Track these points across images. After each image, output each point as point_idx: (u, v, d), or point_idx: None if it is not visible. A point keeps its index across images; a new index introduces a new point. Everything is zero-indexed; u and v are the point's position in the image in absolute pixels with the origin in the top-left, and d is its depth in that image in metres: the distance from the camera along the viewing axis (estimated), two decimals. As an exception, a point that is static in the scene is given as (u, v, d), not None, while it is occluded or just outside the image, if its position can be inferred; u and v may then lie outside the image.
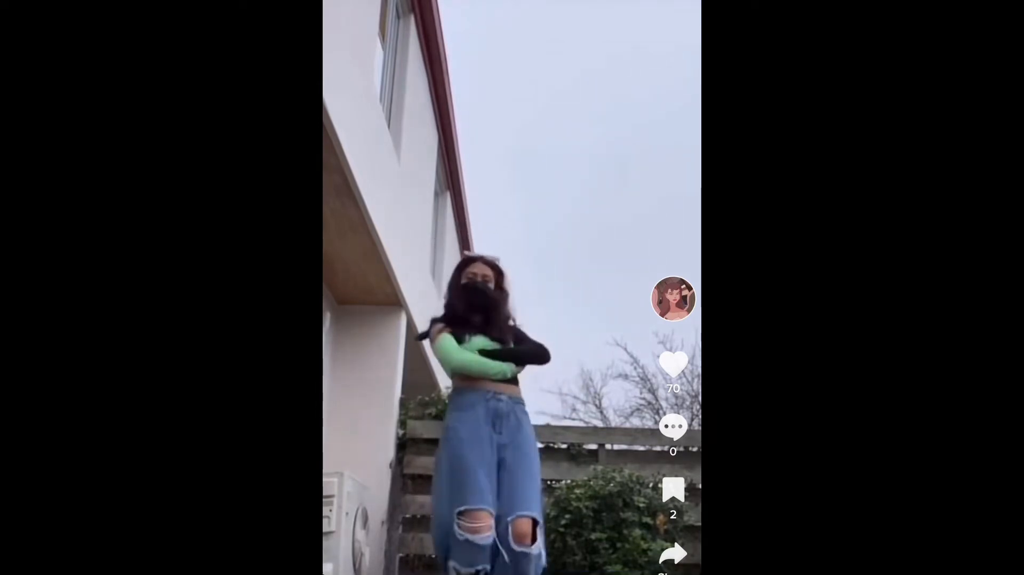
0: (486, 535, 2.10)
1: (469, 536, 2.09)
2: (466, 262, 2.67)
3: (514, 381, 2.53)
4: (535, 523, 2.18)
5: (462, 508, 2.14)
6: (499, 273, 2.64)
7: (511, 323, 2.63)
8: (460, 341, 2.51)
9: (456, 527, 2.12)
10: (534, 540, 2.17)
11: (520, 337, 2.61)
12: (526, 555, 2.13)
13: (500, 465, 2.31)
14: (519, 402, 2.50)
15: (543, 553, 2.21)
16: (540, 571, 2.19)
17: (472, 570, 2.10)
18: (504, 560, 2.13)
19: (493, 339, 2.52)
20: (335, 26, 3.32)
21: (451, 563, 2.16)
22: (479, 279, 2.60)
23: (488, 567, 2.11)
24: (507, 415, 2.40)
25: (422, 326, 2.72)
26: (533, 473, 2.33)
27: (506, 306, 2.62)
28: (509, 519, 2.18)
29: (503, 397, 2.42)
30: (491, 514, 2.14)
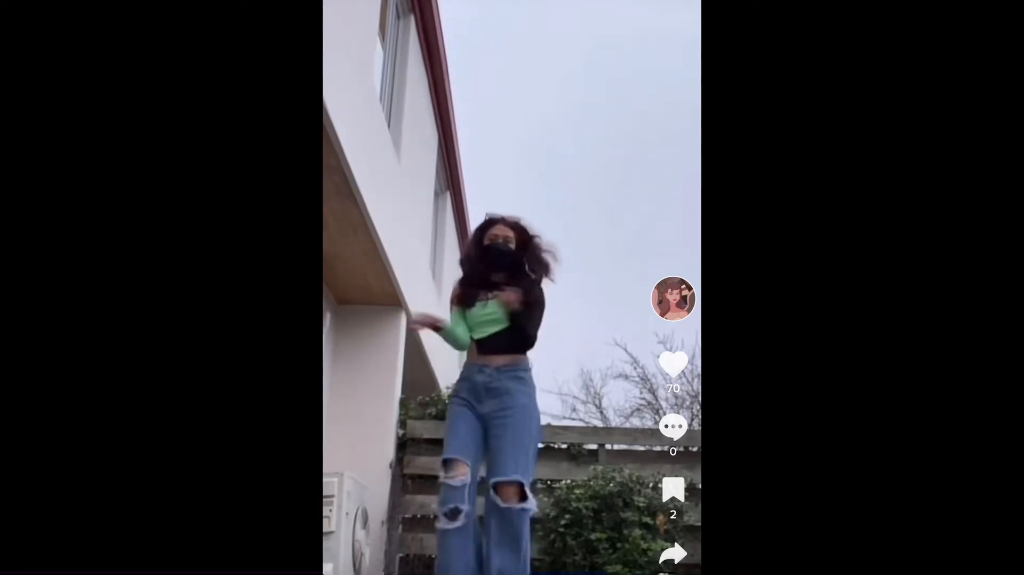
0: (458, 478, 2.38)
1: (446, 479, 2.40)
2: (488, 224, 2.73)
3: (510, 349, 2.57)
4: (519, 485, 2.38)
5: (444, 458, 2.46)
6: (522, 232, 2.68)
7: (541, 277, 2.64)
8: (472, 304, 2.59)
9: (440, 474, 2.44)
10: (521, 498, 2.38)
11: (531, 304, 2.59)
12: (511, 510, 2.36)
13: (487, 433, 2.50)
14: (509, 371, 2.54)
15: (533, 507, 2.41)
16: (524, 526, 2.39)
17: (447, 507, 2.36)
18: (497, 516, 2.38)
19: (503, 304, 2.55)
20: (335, 26, 3.32)
21: (436, 507, 2.47)
22: (500, 240, 2.65)
23: (463, 505, 2.37)
24: (489, 386, 2.52)
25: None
26: (517, 439, 2.46)
27: (535, 262, 2.65)
28: (492, 483, 2.40)
29: (487, 369, 2.55)
30: (466, 463, 2.41)
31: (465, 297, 2.63)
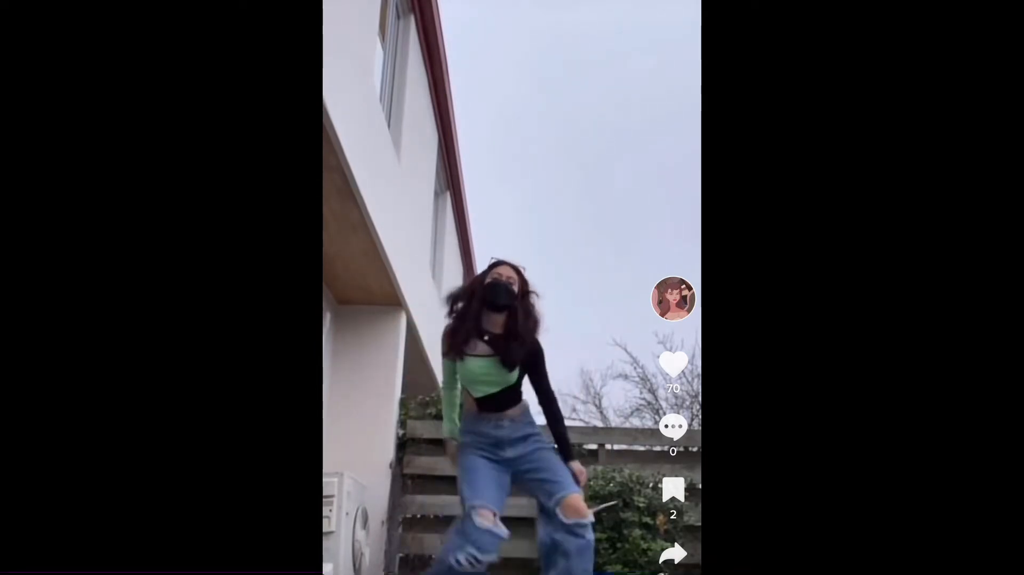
0: (494, 527, 2.33)
1: (480, 522, 2.31)
2: (492, 266, 2.67)
3: (513, 404, 2.55)
4: (580, 496, 2.38)
5: (471, 504, 2.36)
6: (524, 281, 2.63)
7: (531, 335, 2.58)
8: (462, 353, 2.52)
9: (475, 518, 2.33)
10: (584, 511, 2.38)
11: (534, 362, 2.55)
12: (582, 525, 2.34)
13: (526, 470, 2.49)
14: (524, 419, 2.55)
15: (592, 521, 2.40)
16: (593, 536, 2.37)
17: (485, 555, 2.30)
18: (562, 538, 2.33)
19: (503, 364, 2.49)
20: (335, 26, 3.32)
21: (468, 550, 2.31)
22: (503, 279, 2.59)
23: (494, 554, 2.31)
24: (512, 437, 2.51)
25: (422, 326, 2.73)
26: (560, 463, 2.49)
27: (529, 316, 2.59)
28: (556, 499, 2.36)
29: (504, 422, 2.52)
30: (494, 512, 2.35)
31: (456, 345, 2.55)
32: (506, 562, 4.32)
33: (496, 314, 2.54)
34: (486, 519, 2.32)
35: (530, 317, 2.58)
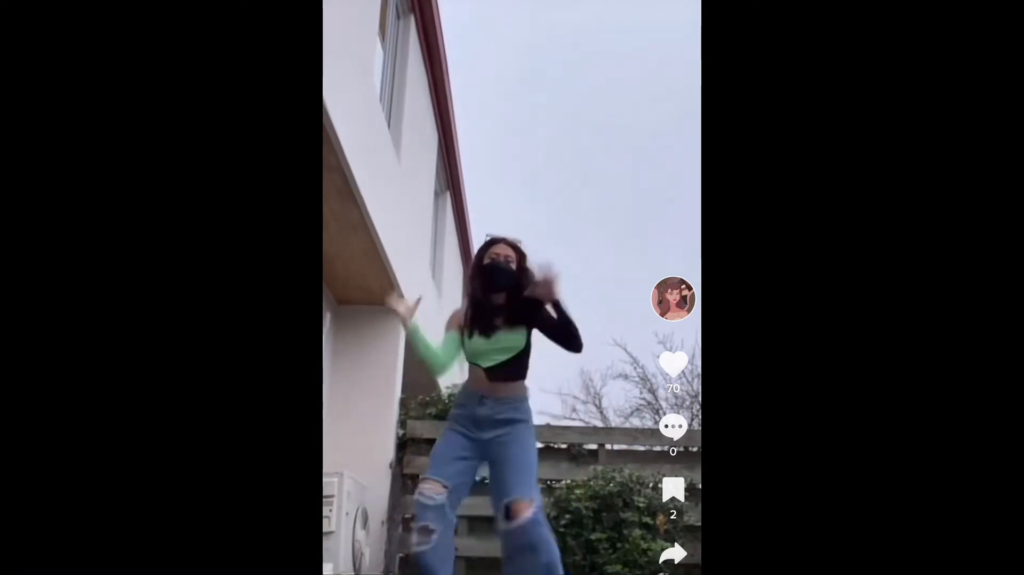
0: (432, 496, 2.41)
1: (418, 497, 2.43)
2: (488, 244, 2.70)
3: (517, 376, 2.58)
4: (530, 502, 2.40)
5: (422, 476, 2.49)
6: (521, 255, 2.66)
7: (546, 301, 2.59)
8: (481, 332, 2.57)
9: (419, 487, 2.48)
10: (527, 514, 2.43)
11: (548, 316, 2.58)
12: (520, 527, 2.37)
13: (491, 461, 2.54)
14: (511, 402, 2.56)
15: (539, 519, 2.40)
16: (540, 533, 2.38)
17: (420, 524, 2.39)
18: (508, 540, 2.39)
19: (513, 326, 2.55)
20: (335, 26, 3.32)
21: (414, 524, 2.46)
22: (502, 259, 2.62)
23: (434, 525, 2.39)
24: (493, 418, 2.54)
25: (422, 326, 2.69)
26: (521, 461, 2.50)
27: (531, 285, 2.60)
28: (503, 504, 2.41)
29: (488, 401, 2.56)
30: (443, 485, 2.44)
31: (471, 322, 2.59)
32: (495, 562, 4.33)
33: (500, 292, 2.60)
34: (427, 487, 2.42)
35: (532, 284, 2.60)
